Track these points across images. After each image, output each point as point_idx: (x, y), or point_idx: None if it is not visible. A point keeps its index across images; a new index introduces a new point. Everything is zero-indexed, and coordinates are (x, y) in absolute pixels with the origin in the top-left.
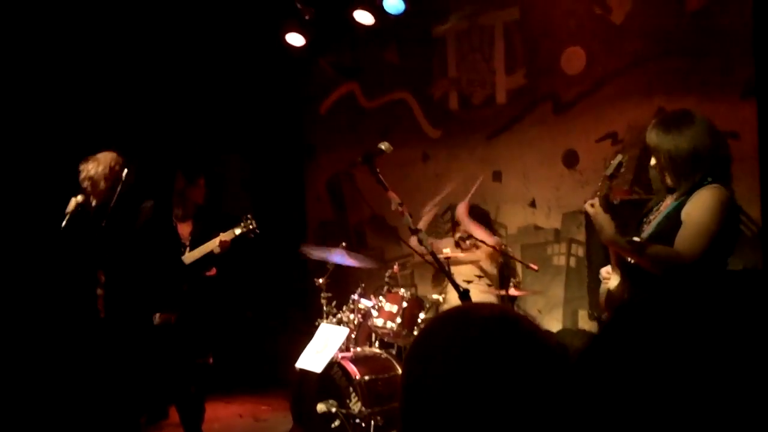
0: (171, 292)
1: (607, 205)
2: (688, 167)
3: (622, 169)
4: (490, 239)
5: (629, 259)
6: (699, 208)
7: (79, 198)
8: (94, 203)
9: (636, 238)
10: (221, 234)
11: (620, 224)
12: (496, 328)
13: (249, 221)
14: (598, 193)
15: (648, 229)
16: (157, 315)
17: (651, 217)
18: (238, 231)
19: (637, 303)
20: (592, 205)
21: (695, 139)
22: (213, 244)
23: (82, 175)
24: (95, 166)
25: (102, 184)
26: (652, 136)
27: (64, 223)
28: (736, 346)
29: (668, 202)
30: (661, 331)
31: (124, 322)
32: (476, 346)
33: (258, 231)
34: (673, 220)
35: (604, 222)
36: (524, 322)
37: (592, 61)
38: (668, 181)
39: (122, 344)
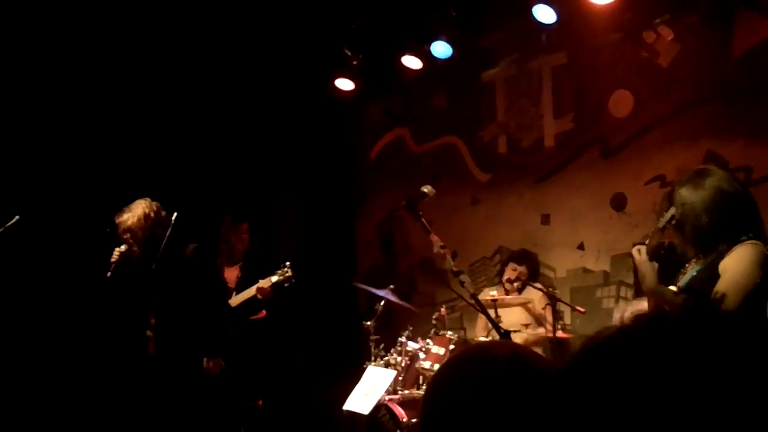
0: (215, 337)
1: (654, 255)
2: (706, 233)
3: (674, 222)
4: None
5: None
6: (737, 263)
7: (123, 248)
8: (136, 252)
9: (673, 287)
10: (260, 281)
11: (669, 266)
12: (509, 367)
13: (286, 269)
14: (648, 242)
15: (684, 279)
16: (205, 360)
17: (688, 267)
18: (274, 279)
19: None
20: (639, 252)
21: (720, 192)
22: (251, 292)
23: (120, 229)
24: (131, 217)
25: (140, 233)
26: (681, 194)
27: (109, 273)
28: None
29: (693, 264)
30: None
31: (174, 365)
32: (490, 384)
33: (294, 280)
34: (708, 272)
35: (648, 271)
36: (537, 360)
37: (639, 105)
38: (698, 242)
39: (172, 387)
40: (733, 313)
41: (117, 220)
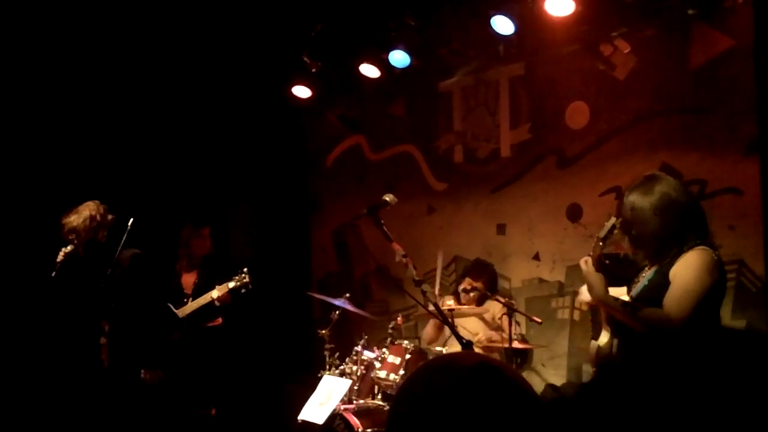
0: (153, 347)
1: (599, 266)
2: (656, 238)
3: (615, 231)
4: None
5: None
6: (686, 269)
7: (68, 248)
8: (81, 253)
9: (625, 297)
10: (216, 287)
11: (620, 278)
12: (477, 376)
13: (243, 275)
14: (591, 253)
15: (636, 288)
16: (143, 371)
17: (641, 275)
18: (231, 284)
19: (619, 364)
20: (586, 263)
21: (668, 197)
22: (207, 298)
23: (65, 229)
24: (76, 218)
25: (83, 235)
26: (624, 205)
27: (54, 273)
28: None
29: (647, 272)
30: (640, 392)
31: (123, 373)
32: (458, 394)
33: (251, 286)
34: (660, 279)
35: (596, 281)
36: (505, 370)
37: (596, 117)
38: (649, 248)
39: (123, 395)
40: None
41: (63, 221)
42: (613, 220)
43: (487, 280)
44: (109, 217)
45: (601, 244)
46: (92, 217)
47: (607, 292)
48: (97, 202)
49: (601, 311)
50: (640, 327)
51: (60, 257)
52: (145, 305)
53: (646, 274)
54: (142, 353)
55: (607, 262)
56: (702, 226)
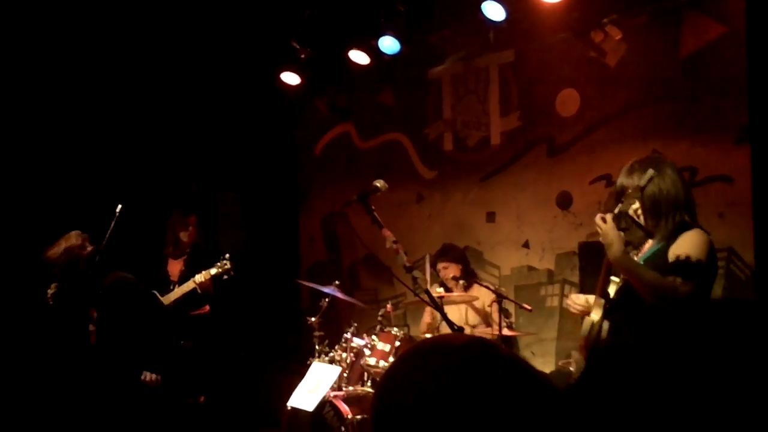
0: (153, 361)
1: (620, 223)
2: (670, 208)
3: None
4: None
5: (609, 287)
6: (690, 245)
7: (52, 288)
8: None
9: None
10: (197, 275)
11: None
12: (470, 356)
13: (225, 262)
14: (617, 209)
15: (640, 257)
16: (144, 373)
17: (644, 246)
18: (213, 271)
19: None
20: (604, 220)
21: (675, 181)
22: (189, 285)
23: (48, 263)
24: (55, 251)
25: (63, 266)
26: (634, 179)
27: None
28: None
29: (649, 245)
30: (642, 375)
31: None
32: (451, 375)
33: (233, 273)
34: (660, 256)
35: (615, 239)
36: (499, 349)
37: (586, 104)
38: (648, 223)
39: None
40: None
41: (44, 256)
42: (651, 171)
43: (463, 265)
44: (89, 248)
45: (638, 194)
46: (68, 250)
47: (625, 251)
48: (78, 232)
49: (598, 286)
50: (649, 292)
51: (49, 294)
52: (127, 329)
53: (645, 250)
54: (144, 357)
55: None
56: (692, 205)
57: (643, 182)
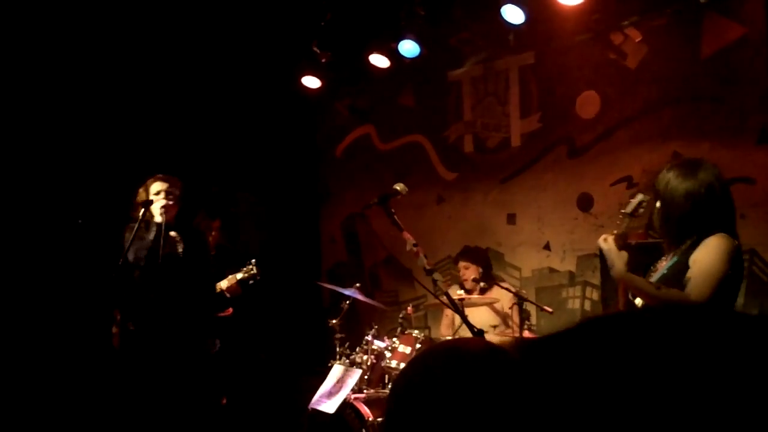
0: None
1: (622, 243)
2: (673, 225)
3: (642, 209)
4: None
5: (636, 299)
6: (708, 254)
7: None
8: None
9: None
10: (224, 279)
11: (633, 268)
12: (484, 363)
13: (251, 266)
14: (616, 230)
15: (655, 275)
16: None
17: (659, 265)
18: (239, 276)
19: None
20: (606, 240)
21: (709, 187)
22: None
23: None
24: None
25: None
26: (669, 180)
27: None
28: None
29: (665, 262)
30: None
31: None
32: (464, 381)
33: (259, 277)
34: (680, 266)
35: (617, 258)
36: (510, 357)
37: (606, 106)
38: (672, 229)
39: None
40: (702, 306)
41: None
42: (640, 196)
43: (483, 266)
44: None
45: (627, 220)
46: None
47: (627, 270)
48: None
49: (620, 295)
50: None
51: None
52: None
53: (666, 262)
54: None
55: (632, 244)
56: (730, 219)
57: (628, 210)
